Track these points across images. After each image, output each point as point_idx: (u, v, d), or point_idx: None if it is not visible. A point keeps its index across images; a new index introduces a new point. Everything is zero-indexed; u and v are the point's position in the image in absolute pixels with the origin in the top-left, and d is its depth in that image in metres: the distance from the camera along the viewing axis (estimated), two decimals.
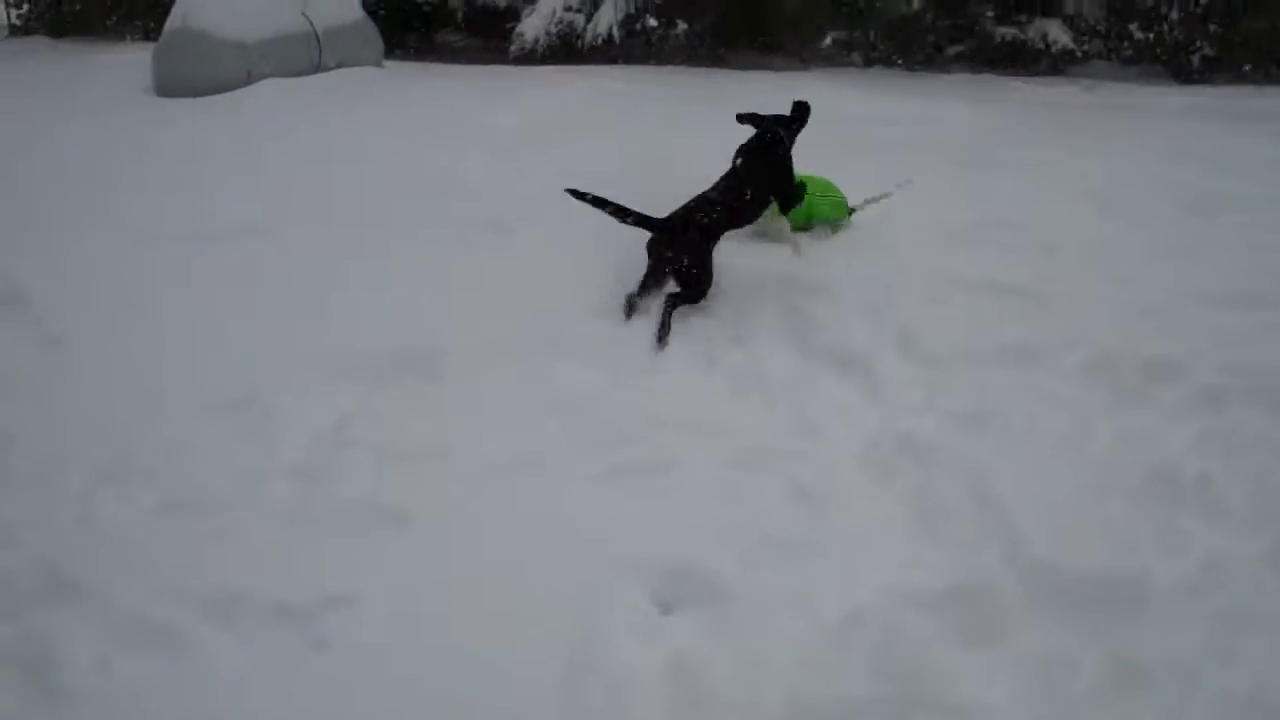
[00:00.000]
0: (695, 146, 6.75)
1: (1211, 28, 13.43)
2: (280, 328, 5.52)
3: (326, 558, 4.03)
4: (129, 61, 11.89)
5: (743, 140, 6.18)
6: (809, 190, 6.31)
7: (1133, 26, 14.04)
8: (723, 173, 6.05)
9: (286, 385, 5.04)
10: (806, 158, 6.32)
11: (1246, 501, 4.26)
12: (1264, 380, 4.91)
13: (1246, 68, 13.43)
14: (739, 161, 6.09)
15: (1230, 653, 3.64)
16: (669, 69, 13.89)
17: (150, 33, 14.93)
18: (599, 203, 5.65)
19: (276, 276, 6.02)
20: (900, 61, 14.77)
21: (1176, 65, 13.90)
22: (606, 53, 14.67)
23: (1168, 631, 3.72)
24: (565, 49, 14.93)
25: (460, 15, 16.57)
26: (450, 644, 3.69)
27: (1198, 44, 13.60)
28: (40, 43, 16.09)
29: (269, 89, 10.16)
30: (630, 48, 14.70)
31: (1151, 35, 13.91)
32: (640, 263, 5.69)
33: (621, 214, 5.68)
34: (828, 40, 14.98)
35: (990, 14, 14.35)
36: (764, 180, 6.07)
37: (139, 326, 5.62)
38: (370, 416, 4.84)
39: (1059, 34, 14.11)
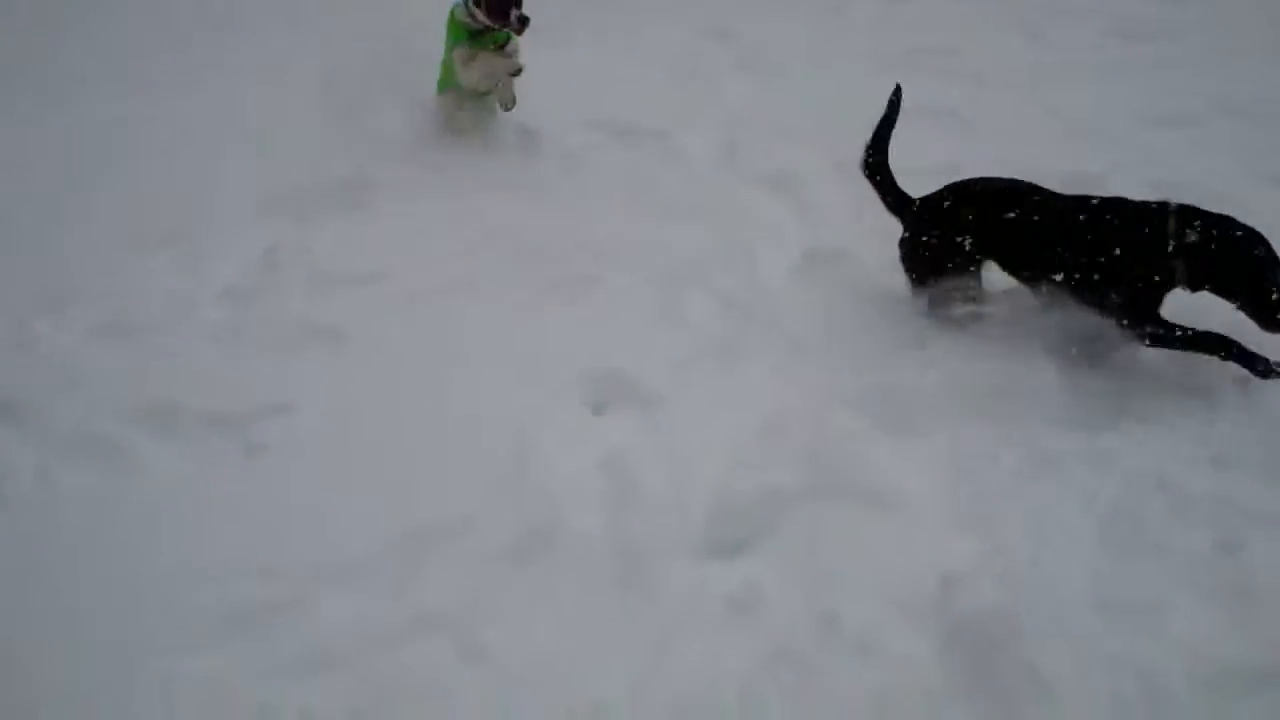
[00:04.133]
0: None
1: None
2: (208, 165, 5.52)
3: (261, 372, 4.10)
4: None
5: None
6: None
7: None
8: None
9: (217, 218, 5.06)
10: None
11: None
12: (1184, 195, 5.00)
13: None
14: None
15: (1141, 440, 3.78)
16: None
17: None
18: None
19: (203, 119, 6.00)
20: None
21: None
22: None
23: (1077, 424, 3.85)
24: None
25: None
26: (387, 449, 3.77)
27: None
28: None
29: None
30: None
31: None
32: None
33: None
34: None
35: None
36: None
37: (70, 166, 5.60)
38: (301, 245, 4.87)
39: None
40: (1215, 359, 3.92)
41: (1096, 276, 3.98)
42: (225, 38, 7.22)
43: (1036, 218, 4.14)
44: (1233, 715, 2.89)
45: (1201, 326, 3.92)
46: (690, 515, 3.57)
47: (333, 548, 3.39)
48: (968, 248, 4.24)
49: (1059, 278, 4.05)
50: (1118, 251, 3.93)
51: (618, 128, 5.97)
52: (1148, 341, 3.97)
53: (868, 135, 4.53)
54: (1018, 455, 3.75)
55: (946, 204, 4.32)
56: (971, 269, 4.28)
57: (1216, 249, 3.84)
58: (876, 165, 4.50)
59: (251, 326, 4.35)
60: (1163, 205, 3.97)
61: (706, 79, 6.63)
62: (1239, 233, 3.84)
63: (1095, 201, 4.07)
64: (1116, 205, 4.04)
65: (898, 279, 4.48)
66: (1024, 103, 6.09)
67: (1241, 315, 3.90)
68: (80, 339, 4.27)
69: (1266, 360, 3.86)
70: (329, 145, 5.69)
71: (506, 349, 4.21)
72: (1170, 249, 3.87)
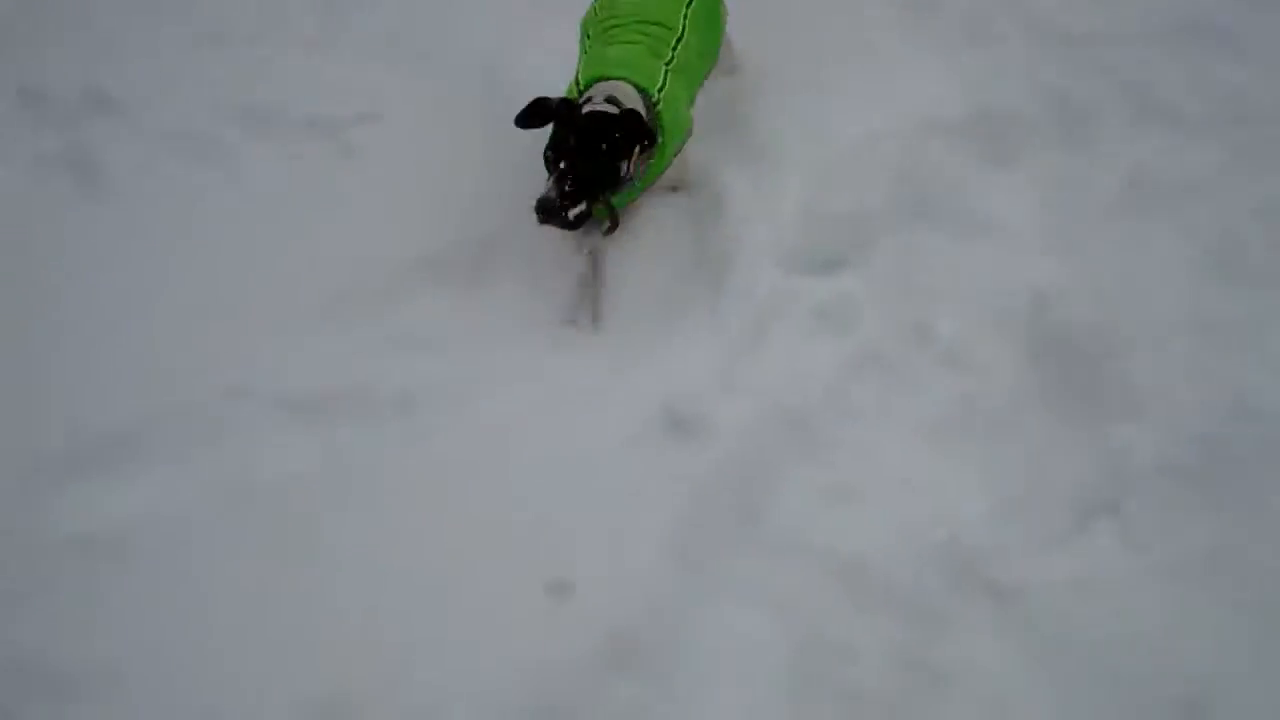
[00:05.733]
0: None
1: None
2: None
3: (354, 81, 4.05)
4: None
5: None
6: None
7: None
8: None
9: None
10: None
11: None
12: None
13: None
14: None
15: (1254, 170, 3.69)
16: None
17: None
18: None
19: None
20: None
21: None
22: None
23: (1175, 152, 3.76)
24: None
25: None
26: (467, 159, 3.77)
27: None
28: None
29: None
30: None
31: None
32: None
33: None
34: None
35: None
36: None
37: None
38: None
39: None
40: None
41: None
42: None
43: None
44: None
45: None
46: (780, 228, 3.56)
47: (422, 244, 3.45)
48: None
49: None
50: None
51: None
52: None
53: None
54: (1115, 183, 3.68)
55: None
56: None
57: None
58: None
59: (344, 36, 4.29)
60: None
61: None
62: None
63: None
64: None
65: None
66: None
67: None
68: (178, 44, 4.21)
69: None
70: None
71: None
72: None
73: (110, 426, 2.99)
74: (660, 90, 3.49)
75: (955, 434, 3.00)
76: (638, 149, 3.35)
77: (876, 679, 2.51)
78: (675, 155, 3.57)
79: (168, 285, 3.35)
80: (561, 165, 3.22)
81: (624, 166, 3.34)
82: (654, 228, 3.58)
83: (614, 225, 3.45)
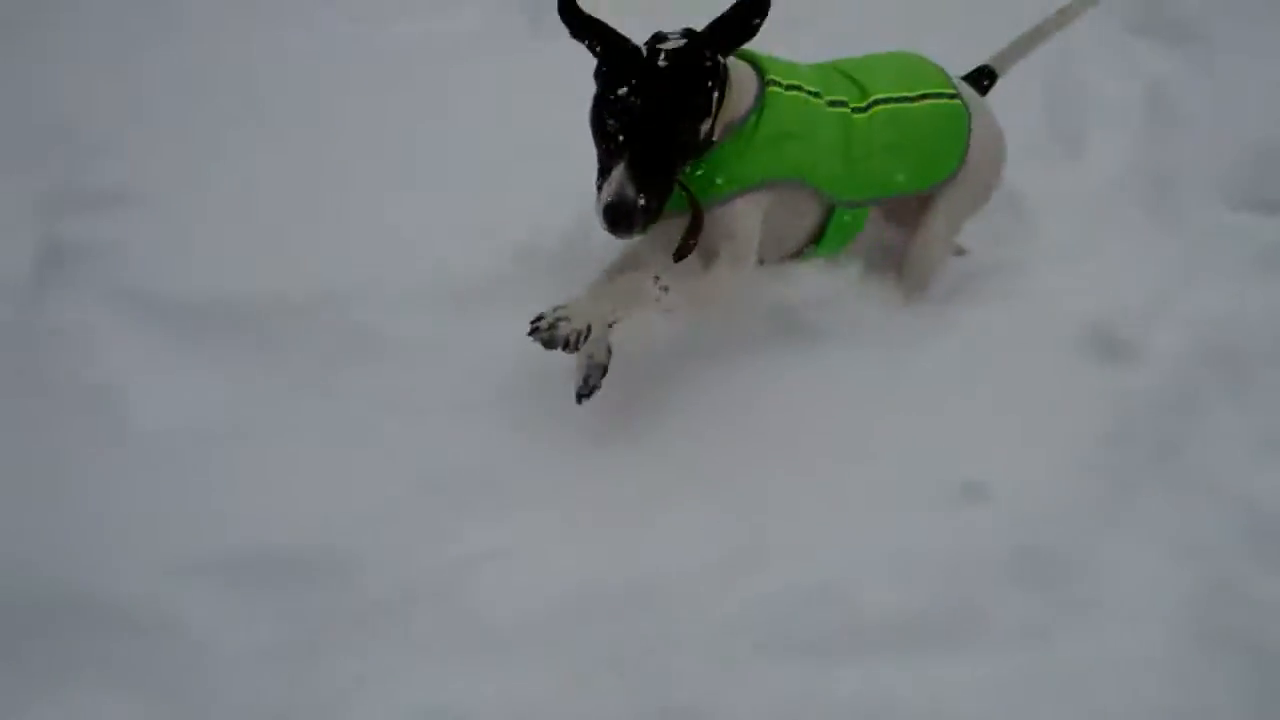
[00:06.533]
0: None
1: None
2: None
3: None
4: None
5: None
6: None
7: None
8: None
9: None
10: None
11: None
12: None
13: None
14: None
15: None
16: None
17: None
18: None
19: None
20: None
21: None
22: None
23: None
24: None
25: None
26: None
27: None
28: None
29: None
30: None
31: None
32: None
33: None
34: None
35: None
36: None
37: None
38: None
39: None
40: None
41: None
42: None
43: None
44: None
45: None
46: (1226, 158, 3.41)
47: None
48: None
49: None
50: None
51: None
52: None
53: None
54: None
55: None
56: None
57: None
58: None
59: None
60: None
61: None
62: None
63: None
64: None
65: None
66: None
67: None
68: None
69: None
70: None
71: None
72: None
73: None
74: (785, 86, 2.52)
75: None
76: (717, 97, 2.38)
77: None
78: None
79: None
80: (631, 139, 2.28)
81: (706, 125, 2.39)
82: (1092, 134, 3.46)
83: (695, 233, 2.45)
